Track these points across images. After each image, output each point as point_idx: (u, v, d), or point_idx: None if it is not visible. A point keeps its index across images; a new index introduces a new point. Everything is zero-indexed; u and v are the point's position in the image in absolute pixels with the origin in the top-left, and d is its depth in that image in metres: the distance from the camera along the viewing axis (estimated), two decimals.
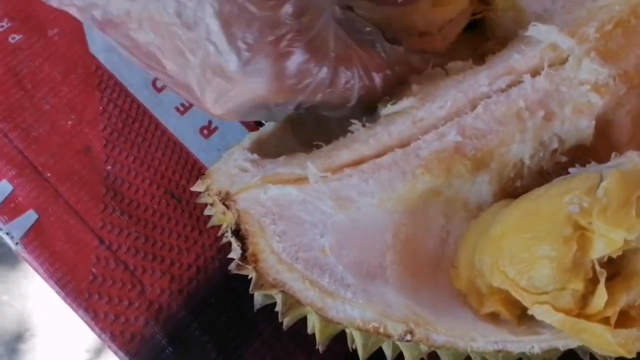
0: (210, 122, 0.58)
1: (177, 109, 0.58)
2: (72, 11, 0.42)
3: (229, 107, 0.40)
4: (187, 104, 0.59)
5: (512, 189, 0.44)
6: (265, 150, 0.47)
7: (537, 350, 0.39)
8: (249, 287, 0.41)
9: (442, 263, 0.43)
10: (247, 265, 0.38)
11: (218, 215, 0.40)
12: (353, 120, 0.42)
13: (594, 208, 0.36)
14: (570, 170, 0.41)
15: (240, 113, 0.41)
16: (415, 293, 0.40)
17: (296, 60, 0.38)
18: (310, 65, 0.38)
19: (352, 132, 0.42)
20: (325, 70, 0.39)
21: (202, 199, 0.40)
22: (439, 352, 0.40)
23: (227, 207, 0.39)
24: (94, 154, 0.57)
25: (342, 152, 0.40)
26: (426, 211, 0.42)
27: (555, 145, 0.42)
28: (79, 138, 0.57)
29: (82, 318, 0.52)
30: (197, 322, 0.53)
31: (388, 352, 0.40)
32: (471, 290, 0.41)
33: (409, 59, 0.45)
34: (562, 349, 0.39)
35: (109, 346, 0.52)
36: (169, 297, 0.53)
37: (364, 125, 0.42)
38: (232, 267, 0.39)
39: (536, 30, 0.42)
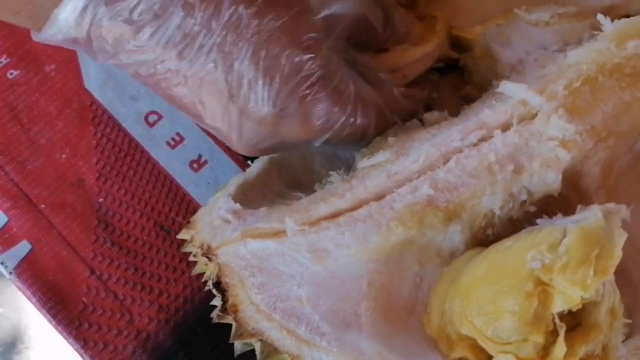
0: (200, 156, 0.60)
1: (168, 143, 0.60)
2: (113, 63, 0.44)
3: (257, 146, 0.43)
4: (177, 139, 0.61)
5: (483, 237, 0.46)
6: (250, 194, 0.49)
7: None
8: None
9: (415, 308, 0.45)
10: (227, 316, 0.41)
11: (201, 264, 0.42)
12: (331, 172, 0.44)
13: (555, 265, 0.38)
14: (538, 221, 0.44)
15: (264, 150, 0.44)
16: (388, 339, 0.42)
17: (324, 103, 0.42)
18: (336, 107, 0.42)
19: (331, 183, 0.44)
20: (348, 108, 0.42)
21: (187, 248, 0.43)
22: None
23: (209, 259, 0.41)
24: (87, 186, 0.59)
25: (320, 205, 0.42)
26: (400, 259, 0.44)
27: (524, 197, 0.44)
28: (72, 171, 0.59)
29: (72, 345, 0.55)
30: (184, 352, 0.55)
31: None
32: (441, 336, 0.43)
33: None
34: None
35: None
36: (156, 326, 0.56)
37: (342, 178, 0.44)
38: (214, 316, 0.42)
39: (506, 87, 0.44)
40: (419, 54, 0.48)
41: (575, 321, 0.40)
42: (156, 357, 0.55)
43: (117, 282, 0.57)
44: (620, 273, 0.47)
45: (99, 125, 0.61)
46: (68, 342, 0.55)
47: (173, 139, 0.61)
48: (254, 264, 0.41)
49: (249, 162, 0.53)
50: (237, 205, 0.44)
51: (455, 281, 0.43)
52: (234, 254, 0.41)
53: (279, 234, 0.41)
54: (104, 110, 0.61)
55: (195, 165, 0.60)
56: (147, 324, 0.56)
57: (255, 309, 0.40)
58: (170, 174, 0.60)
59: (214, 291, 0.41)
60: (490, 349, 0.40)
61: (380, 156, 0.44)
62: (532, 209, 0.45)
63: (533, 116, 0.44)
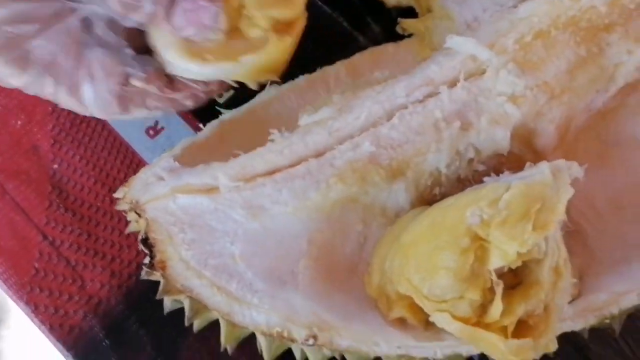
0: (156, 123, 0.59)
1: None
2: None
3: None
4: None
5: (430, 197, 0.44)
6: (198, 156, 0.48)
7: (439, 356, 0.40)
8: None
9: (358, 268, 0.44)
10: (154, 272, 0.39)
11: (134, 222, 0.41)
12: (272, 130, 0.43)
13: (493, 220, 0.37)
14: (485, 179, 0.42)
15: None
16: (326, 298, 0.41)
17: None
18: None
19: (272, 141, 0.43)
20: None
21: (119, 206, 0.42)
22: (346, 355, 0.41)
23: (139, 215, 0.40)
24: (41, 153, 0.58)
25: (256, 161, 0.41)
26: (343, 217, 0.43)
27: (471, 154, 0.43)
28: (27, 137, 0.58)
29: (23, 310, 0.54)
30: (135, 317, 0.54)
31: (297, 354, 0.41)
32: (381, 296, 0.41)
33: None
34: (465, 354, 0.40)
35: (48, 338, 0.54)
36: (108, 292, 0.55)
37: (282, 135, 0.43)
38: (142, 273, 0.41)
39: (453, 41, 0.42)
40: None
41: (518, 280, 0.39)
42: (107, 322, 0.54)
43: (69, 248, 0.56)
44: (577, 234, 0.45)
45: None
46: (19, 306, 0.54)
47: None
48: (185, 220, 0.40)
49: (201, 125, 0.52)
50: (175, 164, 0.42)
51: (397, 240, 0.41)
52: (162, 209, 0.40)
53: (212, 190, 0.40)
54: None
55: (151, 132, 0.59)
56: (99, 289, 0.55)
57: (185, 266, 0.39)
58: (126, 140, 0.58)
59: (142, 247, 0.40)
60: (427, 307, 0.38)
61: (323, 113, 0.42)
62: (481, 167, 0.43)
63: (483, 72, 0.42)
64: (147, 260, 0.39)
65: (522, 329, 0.38)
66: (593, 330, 0.44)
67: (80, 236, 0.56)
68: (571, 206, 0.46)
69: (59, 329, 0.54)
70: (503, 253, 0.36)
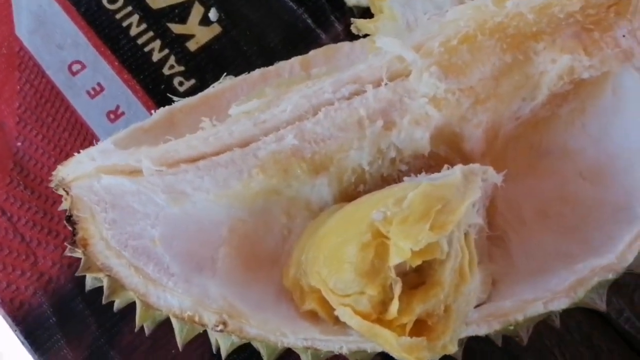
0: (117, 107, 0.61)
1: (89, 92, 0.61)
2: None
3: None
4: (98, 89, 0.62)
5: (355, 193, 0.45)
6: (144, 140, 0.49)
7: (345, 350, 0.41)
8: None
9: (280, 259, 0.45)
10: (76, 249, 0.41)
11: (64, 200, 0.43)
12: (203, 118, 0.44)
13: (395, 217, 0.37)
14: (405, 179, 0.43)
15: None
16: (242, 287, 0.42)
17: None
18: None
19: (202, 129, 0.44)
20: None
21: (51, 184, 0.43)
22: (256, 344, 0.42)
23: (67, 192, 0.41)
24: (6, 129, 0.61)
25: (181, 147, 0.42)
26: (267, 209, 0.44)
27: (393, 153, 0.43)
28: None
29: None
30: (82, 296, 0.56)
31: (212, 339, 0.43)
32: (296, 288, 0.43)
33: None
34: (369, 351, 0.41)
35: None
36: (58, 270, 0.57)
37: (213, 125, 0.44)
38: (67, 250, 0.42)
39: (381, 41, 0.43)
40: None
41: (421, 280, 0.39)
42: (55, 300, 0.56)
43: (25, 225, 0.58)
44: (500, 241, 0.46)
45: (24, 72, 0.62)
46: None
47: (93, 89, 0.61)
48: (107, 200, 0.41)
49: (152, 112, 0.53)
50: (110, 145, 0.44)
51: (314, 233, 0.42)
52: (87, 188, 0.41)
53: (135, 172, 0.42)
54: (31, 57, 0.62)
55: (112, 116, 0.61)
56: (51, 267, 0.57)
57: (105, 245, 0.41)
58: (87, 123, 0.61)
59: (66, 224, 0.41)
60: (332, 300, 0.39)
61: (252, 104, 0.44)
62: (404, 167, 0.44)
63: (409, 73, 0.43)
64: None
65: (421, 328, 0.38)
66: (530, 341, 0.44)
67: (36, 214, 0.58)
68: (497, 212, 0.46)
69: (9, 303, 0.56)
70: (399, 250, 0.36)
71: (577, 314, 0.56)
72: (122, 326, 0.56)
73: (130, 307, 0.57)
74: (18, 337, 0.57)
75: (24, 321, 0.56)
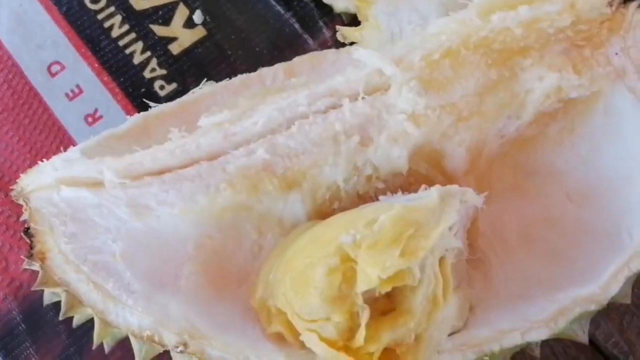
0: (96, 110, 0.59)
1: (67, 94, 0.60)
2: None
3: None
4: (77, 91, 0.60)
5: (329, 210, 0.43)
6: (116, 147, 0.47)
7: None
8: None
9: (250, 277, 0.43)
10: (34, 262, 0.40)
11: (24, 211, 0.41)
12: (172, 129, 0.42)
13: (365, 241, 0.35)
14: (381, 198, 0.41)
15: None
16: (207, 305, 0.41)
17: None
18: None
19: (170, 140, 0.42)
20: None
21: (12, 193, 0.42)
22: None
23: (26, 203, 0.40)
24: None
25: (145, 159, 0.40)
26: (237, 225, 0.42)
27: (369, 171, 0.41)
28: None
29: None
30: (53, 304, 0.54)
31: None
32: (262, 309, 0.41)
33: None
34: None
35: None
36: (30, 277, 0.55)
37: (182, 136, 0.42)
38: (24, 263, 0.41)
39: (358, 53, 0.41)
40: None
41: (392, 306, 0.38)
42: (26, 306, 0.55)
43: None
44: (480, 264, 0.44)
45: (2, 71, 0.60)
46: None
47: (72, 91, 0.60)
48: (67, 213, 0.39)
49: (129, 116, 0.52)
50: (77, 154, 0.42)
51: (284, 252, 0.41)
52: (46, 199, 0.40)
53: (97, 184, 0.40)
54: (9, 57, 0.61)
55: (90, 119, 0.59)
56: (22, 273, 0.55)
57: (63, 259, 0.39)
58: (64, 126, 0.59)
59: (23, 236, 0.40)
60: (298, 325, 0.37)
61: (222, 115, 0.42)
62: (380, 185, 0.42)
63: (389, 87, 0.41)
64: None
65: (390, 357, 0.36)
66: None
67: (9, 218, 0.57)
68: (479, 234, 0.44)
69: None
70: (366, 277, 0.34)
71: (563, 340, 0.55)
72: (92, 335, 0.54)
73: None
74: None
75: None
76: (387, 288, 0.36)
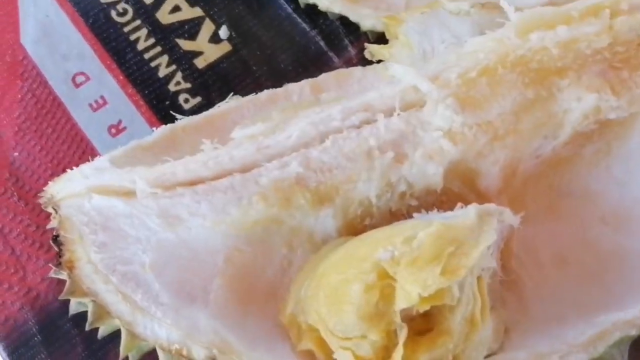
0: (120, 121, 0.59)
1: (91, 105, 0.60)
2: None
3: None
4: (101, 102, 0.60)
5: (360, 227, 0.42)
6: (143, 158, 0.47)
7: None
8: None
9: (279, 293, 0.42)
10: (62, 271, 0.39)
11: (53, 218, 0.41)
12: (204, 140, 0.42)
13: (403, 258, 0.35)
14: (415, 215, 0.40)
15: None
16: (236, 320, 0.40)
17: None
18: None
19: (202, 151, 0.42)
20: None
21: (40, 200, 0.41)
22: None
23: (56, 211, 0.39)
24: (4, 139, 0.59)
25: (178, 170, 0.40)
26: (267, 239, 0.42)
27: (403, 187, 0.41)
28: None
29: None
30: (70, 315, 0.53)
31: None
32: (293, 326, 0.40)
33: None
34: None
35: None
36: (47, 287, 0.54)
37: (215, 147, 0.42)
38: (51, 272, 0.40)
39: (394, 69, 0.41)
40: None
41: (429, 326, 0.37)
42: (42, 317, 0.54)
43: (16, 237, 0.56)
44: (514, 285, 0.43)
45: (26, 81, 0.60)
46: None
47: (96, 102, 0.60)
48: (98, 222, 0.39)
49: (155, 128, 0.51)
50: (106, 163, 0.42)
51: (316, 268, 0.40)
52: (77, 207, 0.39)
53: (129, 194, 0.39)
54: (34, 66, 0.61)
55: (113, 130, 0.59)
56: (39, 282, 0.55)
57: (92, 269, 0.38)
58: (87, 136, 0.59)
59: (52, 244, 0.39)
60: (332, 342, 0.37)
61: (256, 128, 0.41)
62: (414, 202, 0.42)
63: (424, 104, 0.41)
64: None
65: None
66: None
67: (28, 227, 0.56)
68: (512, 255, 0.44)
69: None
70: (406, 294, 0.34)
71: None
72: (109, 349, 0.53)
73: (119, 330, 0.54)
74: (0, 354, 0.54)
75: (8, 337, 0.53)
76: (426, 307, 0.35)
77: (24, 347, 0.54)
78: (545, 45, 0.40)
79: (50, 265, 0.54)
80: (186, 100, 0.60)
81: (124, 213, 0.39)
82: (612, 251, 0.41)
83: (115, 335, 0.53)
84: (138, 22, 0.62)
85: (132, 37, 0.62)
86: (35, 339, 0.53)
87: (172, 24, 0.62)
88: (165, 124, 0.53)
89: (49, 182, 0.56)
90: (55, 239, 0.39)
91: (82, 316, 0.54)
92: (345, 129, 0.41)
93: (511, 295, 0.43)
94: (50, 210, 0.40)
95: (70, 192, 0.39)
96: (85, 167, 0.42)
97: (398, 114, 0.40)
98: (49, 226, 0.43)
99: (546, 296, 0.42)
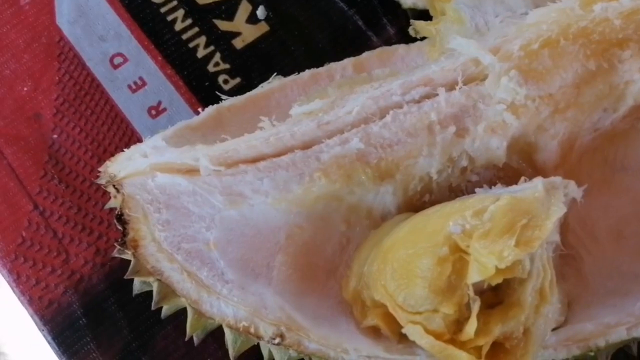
0: (159, 103, 0.59)
1: (130, 86, 0.59)
2: None
3: None
4: (140, 83, 0.59)
5: (419, 203, 0.42)
6: (191, 138, 0.47)
7: None
8: None
9: (338, 270, 0.42)
10: (126, 251, 0.39)
11: (113, 198, 0.40)
12: (262, 118, 0.42)
13: (476, 231, 0.35)
14: (477, 190, 0.40)
15: None
16: (298, 297, 0.40)
17: None
18: None
19: (261, 129, 0.42)
20: None
21: (99, 180, 0.41)
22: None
23: (117, 190, 0.39)
24: (43, 121, 0.58)
25: (241, 147, 0.40)
26: (326, 216, 0.42)
27: (464, 162, 0.41)
28: (31, 105, 0.59)
29: (4, 277, 0.54)
30: (115, 298, 0.53)
31: (265, 352, 0.40)
32: (357, 302, 0.40)
33: None
34: None
35: (26, 310, 0.53)
36: (91, 269, 0.54)
37: (273, 124, 0.41)
38: (115, 251, 0.40)
39: (456, 42, 0.40)
40: None
41: (498, 299, 0.37)
42: (87, 300, 0.54)
43: (58, 220, 0.55)
44: (572, 259, 0.43)
45: (63, 62, 0.60)
46: (1, 273, 0.54)
47: (135, 83, 0.59)
48: (161, 200, 0.39)
49: (199, 109, 0.51)
50: (162, 142, 0.42)
51: (379, 244, 0.40)
52: (140, 186, 0.39)
53: (192, 171, 0.39)
54: (71, 48, 0.60)
55: (153, 112, 0.58)
56: (83, 265, 0.54)
57: (157, 247, 0.38)
58: (127, 117, 0.58)
59: (116, 223, 0.39)
60: (400, 317, 0.37)
61: (314, 104, 0.41)
62: (475, 178, 0.41)
63: (484, 77, 0.41)
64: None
65: (498, 351, 0.35)
66: None
67: (70, 209, 0.56)
68: (569, 230, 0.44)
69: (37, 301, 0.53)
70: (481, 267, 0.34)
71: None
72: (156, 331, 0.53)
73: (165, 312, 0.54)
74: (45, 338, 0.54)
75: (53, 321, 0.53)
76: (499, 279, 0.35)
77: (69, 330, 0.53)
78: (608, 16, 0.39)
79: (99, 243, 0.54)
80: (225, 81, 0.60)
81: (187, 191, 0.39)
82: None
83: (162, 318, 0.53)
84: (175, 2, 0.61)
85: (169, 18, 0.61)
86: (80, 321, 0.53)
87: (209, 4, 0.61)
88: (206, 105, 0.53)
89: (90, 163, 0.57)
90: (120, 217, 0.38)
91: (127, 298, 0.54)
92: (405, 103, 0.40)
93: (570, 270, 0.42)
94: (110, 189, 0.40)
95: (132, 170, 0.39)
96: (142, 146, 0.41)
97: (460, 88, 0.40)
98: (107, 206, 0.42)
99: (605, 269, 0.42)
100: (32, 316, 0.53)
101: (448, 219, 0.36)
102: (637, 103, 0.41)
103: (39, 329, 0.54)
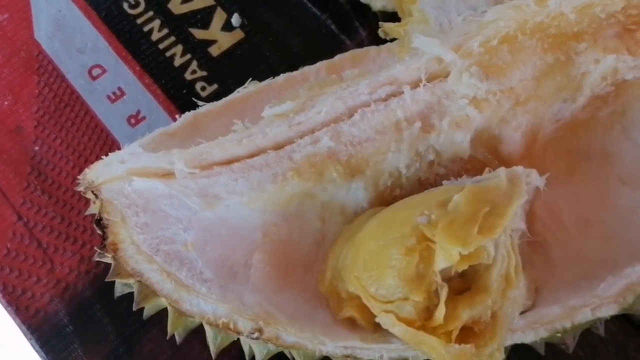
0: (138, 112, 0.60)
1: (109, 97, 0.60)
2: None
3: None
4: (118, 93, 0.60)
5: (390, 198, 0.44)
6: (169, 144, 0.48)
7: (385, 359, 0.39)
8: None
9: (314, 266, 0.43)
10: (106, 254, 0.40)
11: (92, 204, 0.41)
12: (235, 121, 0.43)
13: (441, 220, 0.36)
14: (444, 182, 0.42)
15: None
16: (277, 293, 0.41)
17: None
18: None
19: (234, 132, 0.43)
20: None
21: (78, 187, 0.42)
22: (293, 352, 0.40)
23: (96, 196, 0.40)
24: (24, 133, 0.59)
25: (214, 150, 0.41)
26: (301, 213, 0.43)
27: (431, 156, 0.42)
28: (12, 118, 0.60)
29: None
30: (100, 304, 0.54)
31: (246, 348, 0.41)
32: (332, 294, 0.41)
33: None
34: (411, 359, 0.39)
35: (13, 320, 0.54)
36: (76, 277, 0.55)
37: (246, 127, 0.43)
38: (95, 255, 0.41)
39: (420, 42, 0.42)
40: None
41: (466, 285, 0.38)
42: (73, 307, 0.54)
43: (42, 230, 0.56)
44: (539, 247, 0.45)
45: (43, 75, 0.61)
46: None
47: (114, 93, 0.60)
48: (139, 204, 0.40)
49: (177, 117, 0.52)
50: (139, 149, 0.43)
51: (351, 238, 0.41)
52: (118, 191, 0.40)
53: (168, 175, 0.40)
54: (50, 61, 0.61)
55: (133, 121, 0.60)
56: (68, 274, 0.55)
57: (136, 249, 0.39)
58: (107, 127, 0.59)
59: (96, 228, 0.40)
60: (373, 307, 0.38)
61: (286, 106, 0.42)
62: (442, 171, 0.43)
63: (447, 74, 0.42)
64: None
65: (467, 335, 0.37)
66: (563, 353, 0.43)
67: (53, 219, 0.57)
68: (536, 218, 0.45)
69: (24, 311, 0.54)
70: (446, 254, 0.35)
71: (611, 325, 0.55)
72: (142, 335, 0.54)
73: (151, 318, 0.55)
74: (33, 347, 0.55)
75: (40, 329, 0.54)
76: (464, 266, 0.36)
77: (56, 338, 0.54)
78: (562, 10, 0.41)
79: (84, 251, 0.55)
80: (203, 88, 0.61)
81: (164, 194, 0.40)
82: (632, 208, 0.43)
83: (146, 322, 0.54)
84: (151, 13, 0.63)
85: (146, 29, 0.62)
86: (67, 329, 0.54)
87: (185, 14, 0.63)
88: (184, 112, 0.55)
89: (72, 174, 0.58)
90: (98, 222, 0.40)
91: (113, 304, 0.55)
92: (372, 102, 0.42)
93: (538, 257, 0.44)
94: (89, 195, 0.41)
95: (110, 176, 0.40)
96: (120, 153, 0.42)
97: (424, 85, 0.42)
98: (87, 212, 0.43)
99: (572, 256, 0.44)
100: (19, 326, 0.54)
101: (415, 210, 0.37)
102: (594, 93, 0.43)
103: (27, 338, 0.55)
